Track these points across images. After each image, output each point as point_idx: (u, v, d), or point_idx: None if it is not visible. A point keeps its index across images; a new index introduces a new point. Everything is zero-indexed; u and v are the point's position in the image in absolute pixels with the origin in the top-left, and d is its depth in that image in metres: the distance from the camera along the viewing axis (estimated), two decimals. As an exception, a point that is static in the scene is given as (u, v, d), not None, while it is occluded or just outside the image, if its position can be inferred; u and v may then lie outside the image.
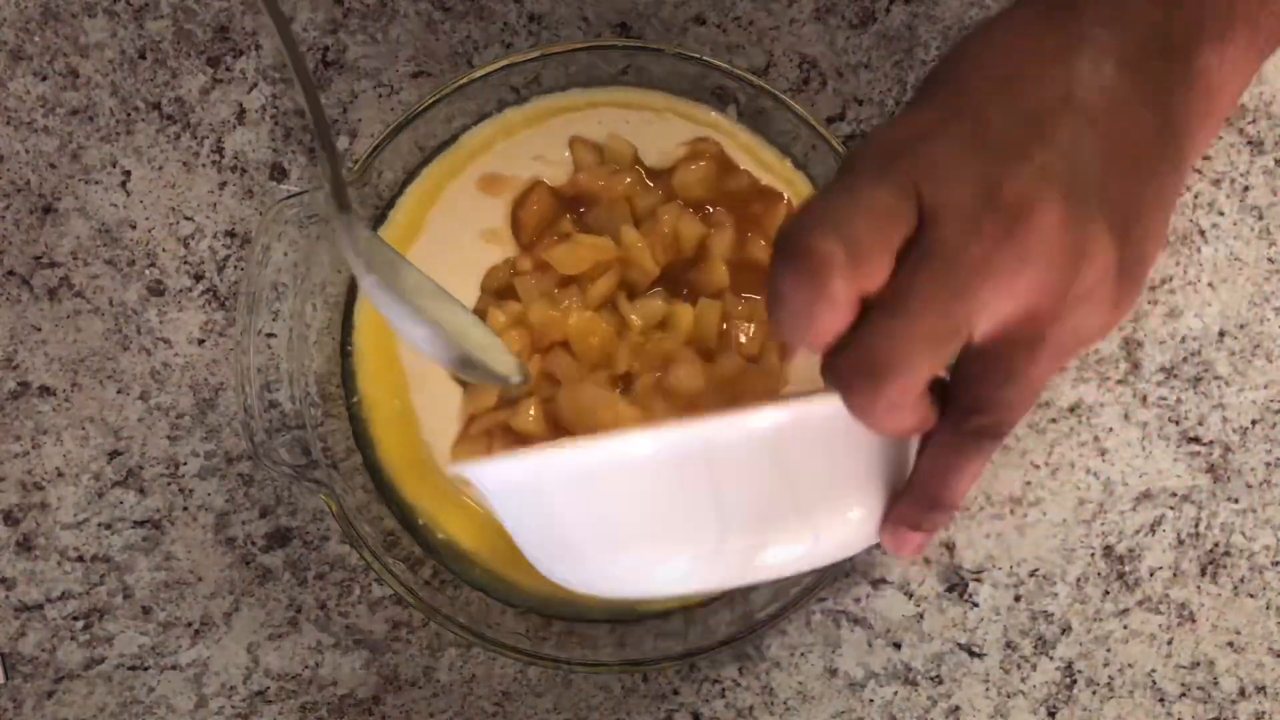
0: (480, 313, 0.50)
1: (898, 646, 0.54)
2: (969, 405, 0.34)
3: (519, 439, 0.49)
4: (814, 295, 0.31)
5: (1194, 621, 0.54)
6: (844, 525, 0.37)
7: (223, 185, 0.53)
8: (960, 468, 0.35)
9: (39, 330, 0.53)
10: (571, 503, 0.38)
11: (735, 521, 0.36)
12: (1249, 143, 0.54)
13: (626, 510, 0.37)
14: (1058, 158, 0.32)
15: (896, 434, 0.36)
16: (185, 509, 0.53)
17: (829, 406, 0.34)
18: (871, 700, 0.54)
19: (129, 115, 0.53)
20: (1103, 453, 0.54)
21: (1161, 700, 0.54)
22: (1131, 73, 0.33)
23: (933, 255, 0.31)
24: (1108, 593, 0.54)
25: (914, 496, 0.37)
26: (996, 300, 0.31)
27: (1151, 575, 0.54)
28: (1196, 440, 0.54)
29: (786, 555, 0.36)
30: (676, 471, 0.36)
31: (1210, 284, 0.54)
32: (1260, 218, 0.54)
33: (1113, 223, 0.32)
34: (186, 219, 0.53)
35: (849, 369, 0.33)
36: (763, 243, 0.50)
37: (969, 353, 0.33)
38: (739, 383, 0.49)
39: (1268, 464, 0.54)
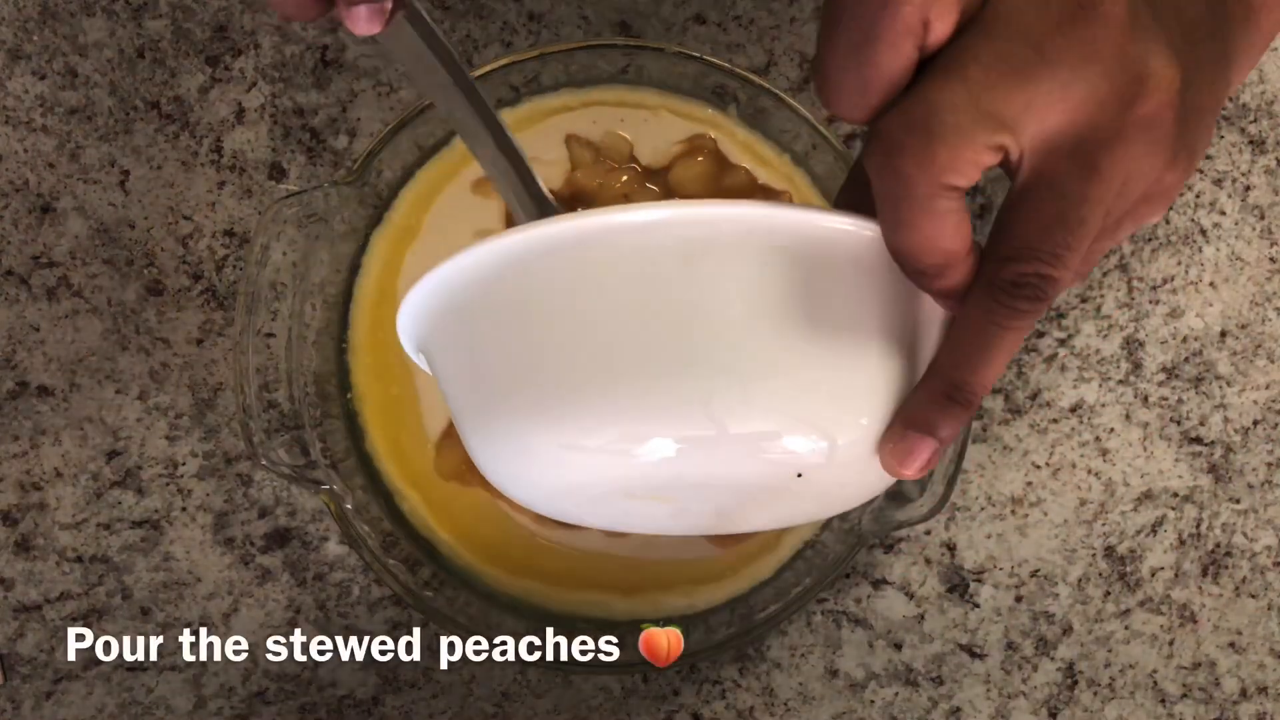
0: None
1: (898, 647, 0.54)
2: (1008, 253, 0.31)
3: None
4: (881, 5, 0.30)
5: (1195, 622, 0.54)
6: (858, 431, 0.32)
7: (221, 185, 0.53)
8: (989, 340, 0.32)
9: (37, 330, 0.53)
10: (520, 313, 0.30)
11: (734, 378, 0.29)
12: (1250, 142, 0.54)
13: (590, 326, 0.29)
14: None
15: (929, 248, 0.31)
16: (184, 509, 0.53)
17: (854, 231, 0.30)
18: (872, 701, 0.54)
19: (127, 114, 0.53)
20: (1104, 453, 0.54)
21: (1163, 701, 0.54)
22: None
23: (994, 25, 0.30)
24: (1109, 593, 0.54)
25: (929, 384, 0.33)
26: (1050, 99, 0.30)
27: (1153, 576, 0.54)
28: (1198, 440, 0.54)
29: (800, 450, 0.31)
30: (658, 273, 0.28)
31: (1212, 284, 0.54)
32: (1262, 217, 0.54)
33: (1177, 57, 0.31)
34: (185, 218, 0.53)
35: (898, 124, 0.31)
36: None
37: (1013, 193, 0.32)
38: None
39: (1269, 464, 0.54)
